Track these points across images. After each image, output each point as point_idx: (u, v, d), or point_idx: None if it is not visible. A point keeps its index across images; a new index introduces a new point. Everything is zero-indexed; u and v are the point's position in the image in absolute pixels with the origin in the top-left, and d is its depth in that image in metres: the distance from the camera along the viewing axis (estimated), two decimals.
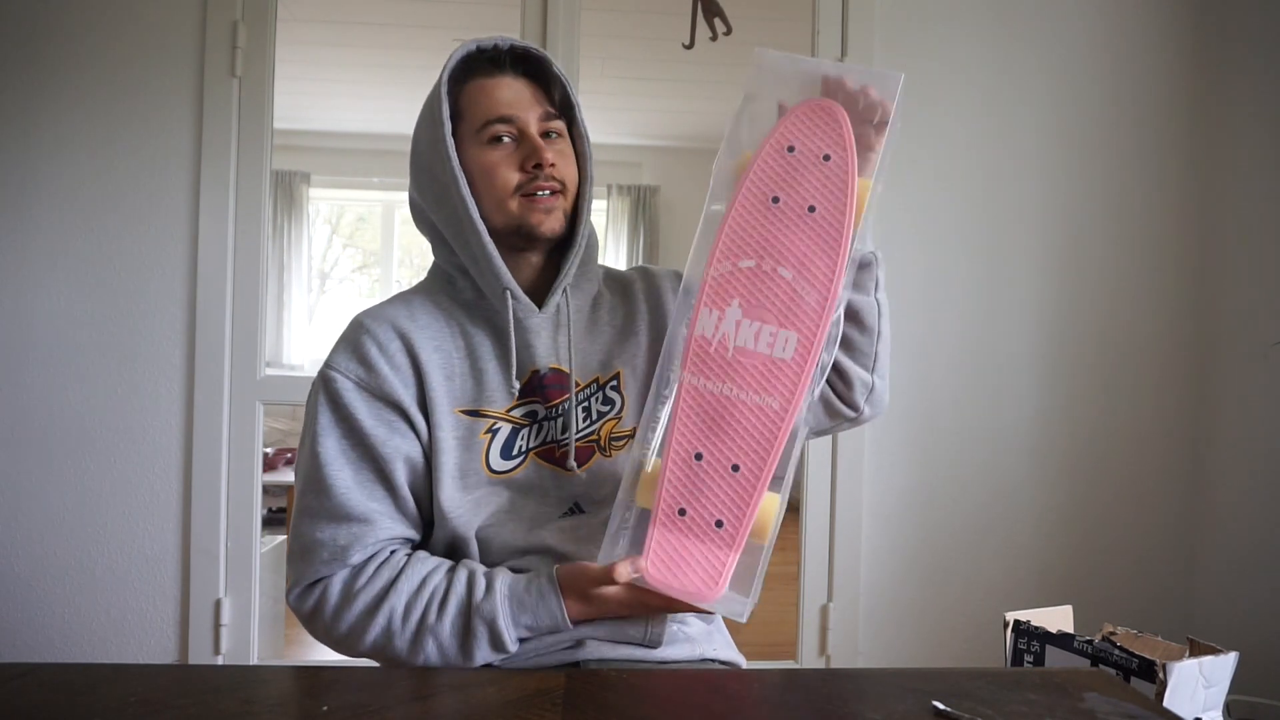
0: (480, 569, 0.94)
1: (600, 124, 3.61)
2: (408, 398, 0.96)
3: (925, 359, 2.21)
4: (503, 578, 0.92)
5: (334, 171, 5.28)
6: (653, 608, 0.89)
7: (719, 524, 0.80)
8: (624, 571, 0.83)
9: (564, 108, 1.02)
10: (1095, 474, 2.25)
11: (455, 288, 1.02)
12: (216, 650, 2.06)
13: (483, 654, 0.90)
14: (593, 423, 1.00)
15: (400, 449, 0.96)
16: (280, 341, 5.16)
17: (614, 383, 1.02)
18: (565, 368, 0.99)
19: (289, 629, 2.52)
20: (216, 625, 2.06)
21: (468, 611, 0.89)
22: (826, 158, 0.83)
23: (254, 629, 2.09)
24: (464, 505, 0.97)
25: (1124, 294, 2.26)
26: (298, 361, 5.22)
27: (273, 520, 4.13)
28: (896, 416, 2.20)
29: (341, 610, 0.92)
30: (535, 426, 0.99)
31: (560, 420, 0.99)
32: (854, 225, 0.82)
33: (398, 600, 0.91)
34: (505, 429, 0.98)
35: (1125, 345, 2.26)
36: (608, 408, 1.02)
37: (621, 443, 1.02)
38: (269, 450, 4.25)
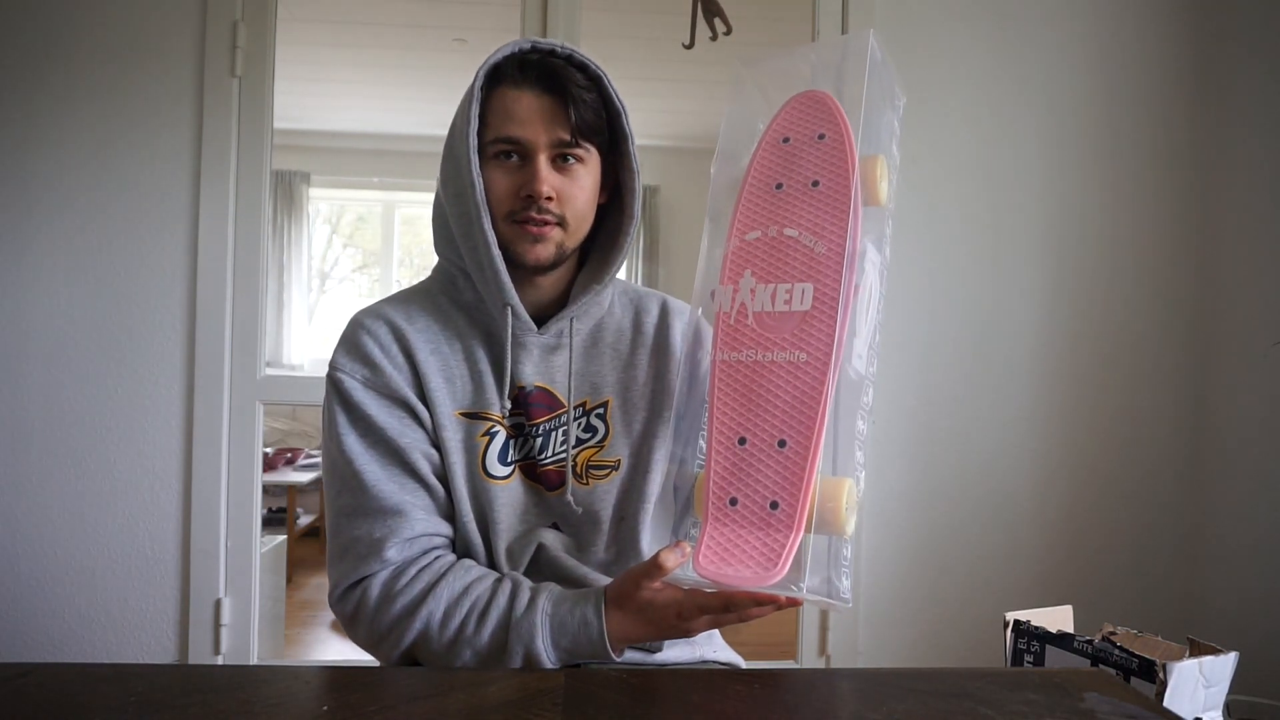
0: (527, 583, 0.90)
1: None
2: (411, 394, 0.95)
3: (926, 359, 2.21)
4: (547, 595, 0.88)
5: (334, 171, 5.27)
6: (709, 609, 0.81)
7: (773, 505, 0.72)
8: (670, 558, 0.77)
9: (595, 131, 0.95)
10: (1095, 474, 2.25)
11: (456, 288, 1.01)
12: (216, 650, 2.06)
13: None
14: (570, 448, 0.98)
15: (416, 442, 0.95)
16: (280, 341, 5.15)
17: (600, 410, 1.00)
18: (552, 388, 0.98)
19: (289, 629, 2.52)
20: (216, 625, 2.06)
21: (506, 626, 0.86)
22: (821, 136, 0.80)
23: (254, 629, 2.09)
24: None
25: (1124, 294, 2.26)
26: (298, 361, 5.22)
27: (273, 520, 4.13)
28: (897, 416, 2.20)
29: (381, 611, 0.90)
30: (520, 440, 0.98)
31: (540, 440, 0.97)
32: (861, 189, 0.78)
33: (436, 605, 0.88)
34: (501, 434, 0.97)
35: (1125, 345, 2.26)
36: (589, 435, 0.99)
37: (602, 472, 0.99)
38: (269, 450, 4.25)
